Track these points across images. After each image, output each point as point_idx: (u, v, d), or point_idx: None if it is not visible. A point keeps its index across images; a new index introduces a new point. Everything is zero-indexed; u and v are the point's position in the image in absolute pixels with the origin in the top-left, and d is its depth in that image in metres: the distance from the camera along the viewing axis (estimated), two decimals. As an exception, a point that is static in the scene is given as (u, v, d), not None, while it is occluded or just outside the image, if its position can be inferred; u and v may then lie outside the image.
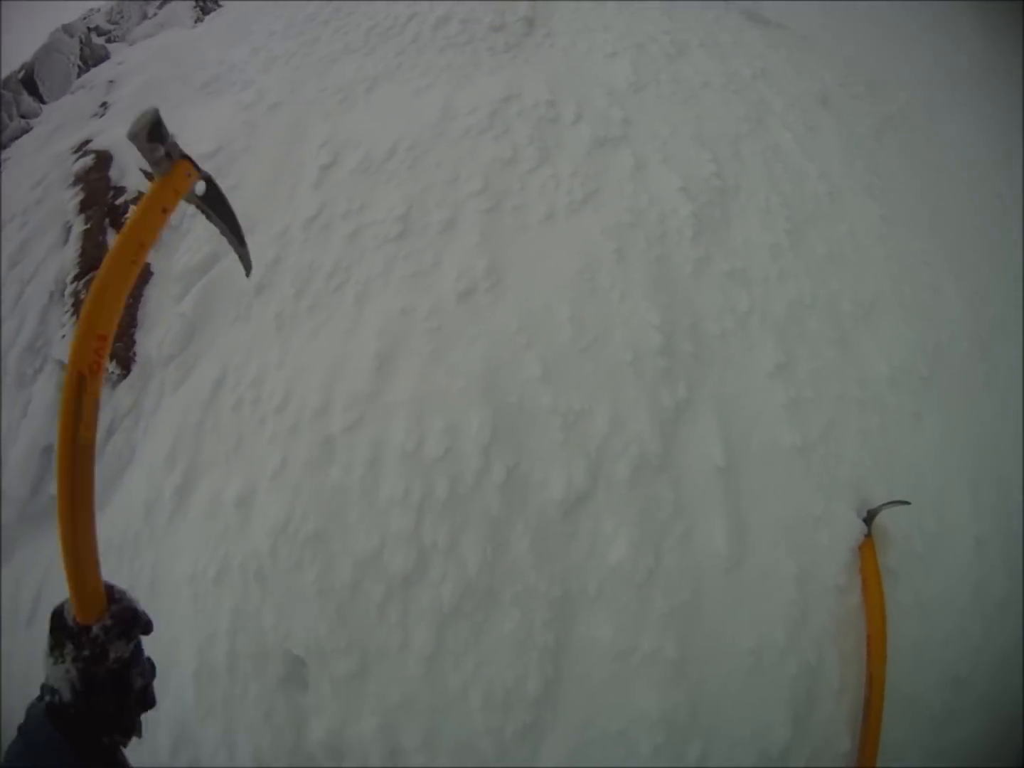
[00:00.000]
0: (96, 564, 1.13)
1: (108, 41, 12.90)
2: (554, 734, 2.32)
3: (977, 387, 3.22)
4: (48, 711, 1.07)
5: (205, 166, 1.08)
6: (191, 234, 3.62)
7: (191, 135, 3.71)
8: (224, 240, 1.25)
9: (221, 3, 12.55)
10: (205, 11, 12.94)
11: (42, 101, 11.65)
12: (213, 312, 3.38)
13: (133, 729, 1.16)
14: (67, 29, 11.88)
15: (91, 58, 12.25)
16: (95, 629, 1.10)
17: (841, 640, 2.49)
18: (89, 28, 12.86)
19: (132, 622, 1.16)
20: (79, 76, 11.57)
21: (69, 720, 1.06)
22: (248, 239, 1.28)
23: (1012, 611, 2.79)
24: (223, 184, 1.14)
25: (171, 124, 0.98)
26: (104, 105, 4.85)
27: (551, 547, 2.45)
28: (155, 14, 13.20)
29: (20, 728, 1.08)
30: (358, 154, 3.57)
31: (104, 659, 1.10)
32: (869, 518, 2.62)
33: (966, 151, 4.46)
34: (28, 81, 11.71)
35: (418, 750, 2.32)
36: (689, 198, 3.21)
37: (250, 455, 2.84)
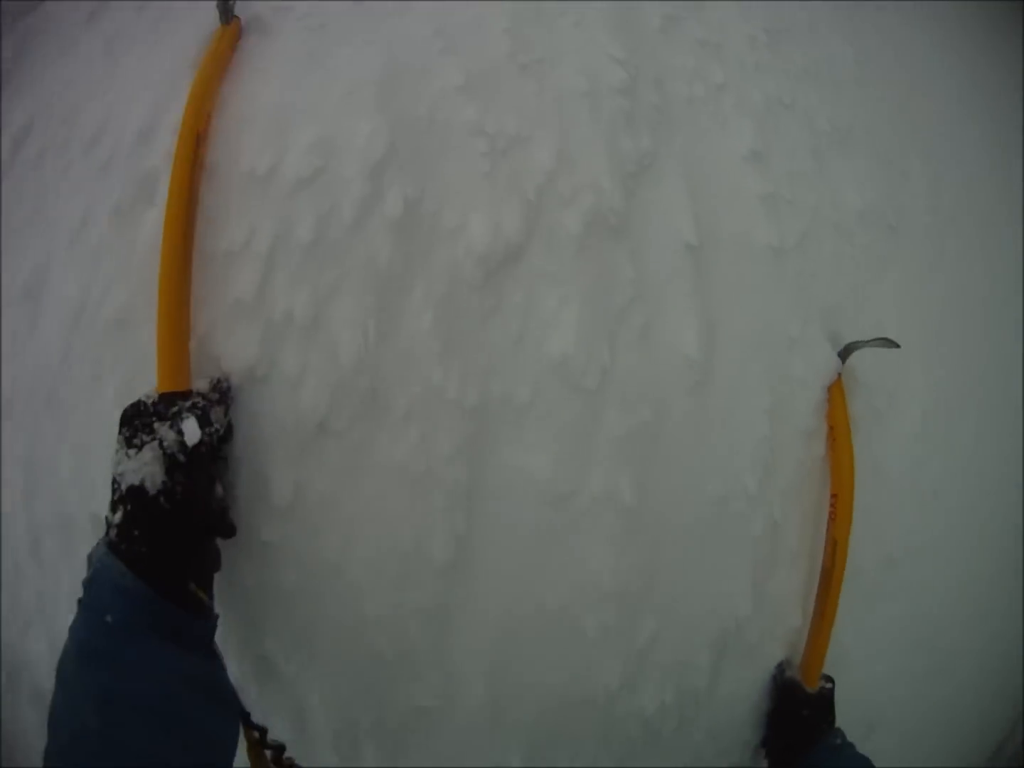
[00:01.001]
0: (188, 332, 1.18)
1: None
2: (468, 616, 1.60)
3: (937, 256, 2.75)
4: (120, 540, 0.94)
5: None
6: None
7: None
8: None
9: None
10: None
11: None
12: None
13: (232, 527, 1.14)
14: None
15: None
16: (194, 393, 1.09)
17: (805, 495, 1.99)
18: None
19: (227, 388, 1.18)
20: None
21: (154, 538, 0.94)
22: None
23: (946, 498, 2.45)
24: None
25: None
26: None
27: (465, 326, 1.57)
28: None
29: (84, 583, 0.95)
30: None
31: (208, 423, 1.05)
32: (845, 354, 2.11)
33: None
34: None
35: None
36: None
37: (47, 219, 1.88)
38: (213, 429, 1.07)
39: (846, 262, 2.34)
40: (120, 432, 1.01)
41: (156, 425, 0.99)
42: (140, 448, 0.96)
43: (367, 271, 1.47)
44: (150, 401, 1.04)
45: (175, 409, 1.03)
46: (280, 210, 1.48)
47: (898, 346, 2.03)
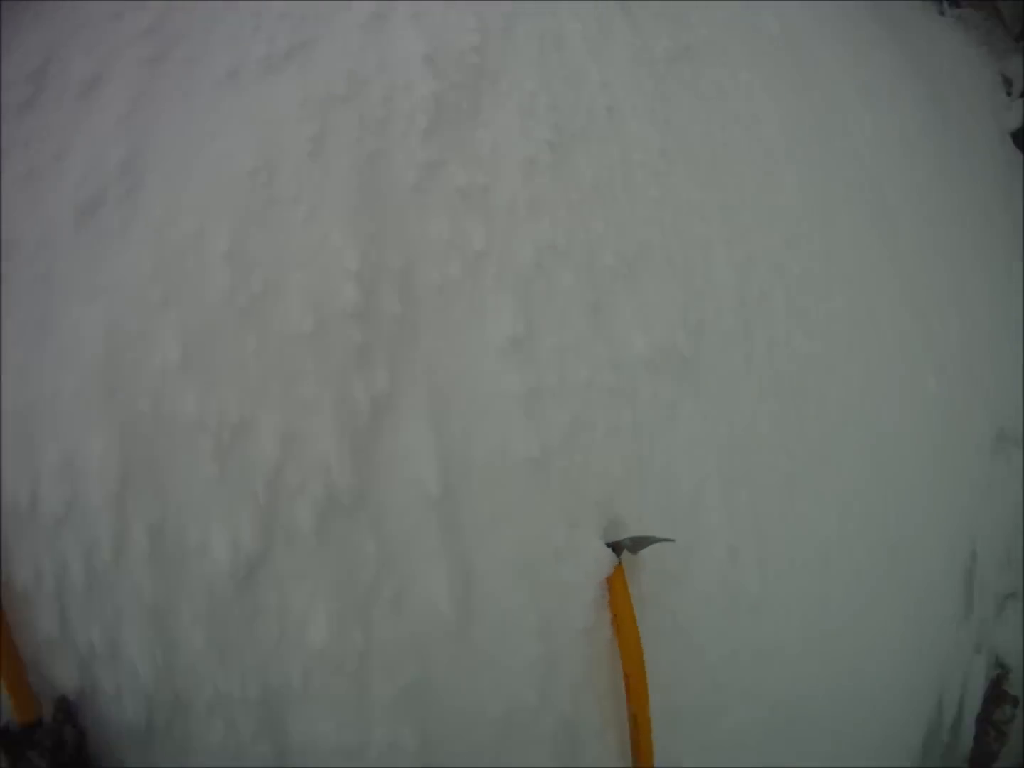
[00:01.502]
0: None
1: None
2: None
3: (737, 370, 2.79)
4: None
5: None
6: None
7: None
8: None
9: None
10: None
11: None
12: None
13: None
14: None
15: None
16: (45, 723, 1.36)
17: (596, 681, 2.02)
18: None
19: (68, 704, 1.44)
20: None
21: None
22: None
23: (766, 613, 2.54)
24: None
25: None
26: None
27: (233, 635, 1.66)
28: None
29: None
30: None
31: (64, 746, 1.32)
32: (618, 549, 2.08)
33: (751, 101, 3.98)
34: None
35: None
36: (434, 72, 2.23)
37: None
38: (70, 747, 1.34)
39: (624, 432, 2.27)
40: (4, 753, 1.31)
41: (31, 754, 1.30)
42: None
43: (139, 603, 1.59)
44: (15, 729, 1.33)
45: (37, 737, 1.33)
46: (53, 548, 1.58)
47: (672, 540, 2.01)
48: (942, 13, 8.11)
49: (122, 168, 1.87)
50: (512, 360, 2.07)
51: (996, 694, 3.47)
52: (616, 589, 2.04)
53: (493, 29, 2.51)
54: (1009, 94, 7.52)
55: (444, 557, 1.84)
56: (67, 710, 1.41)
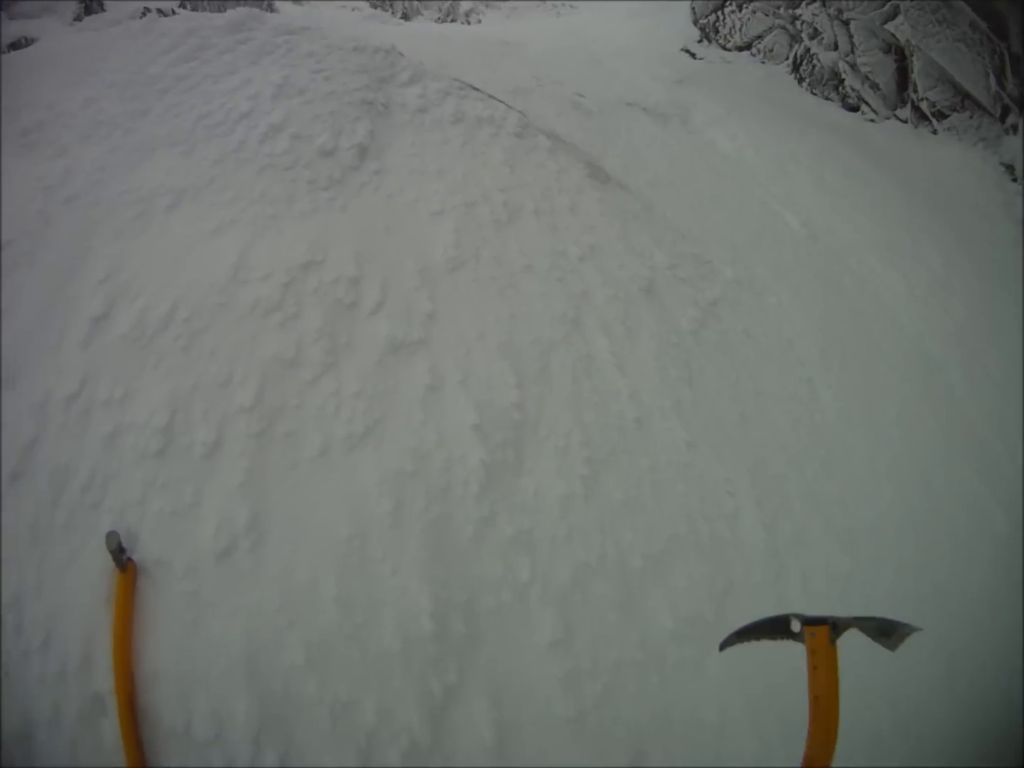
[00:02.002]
0: None
1: None
2: None
3: (766, 613, 2.87)
4: None
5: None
6: None
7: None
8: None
9: (106, 7, 11.44)
10: (89, 10, 11.77)
11: None
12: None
13: None
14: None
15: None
16: None
17: None
18: None
19: None
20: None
21: None
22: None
23: None
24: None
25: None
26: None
27: None
28: None
29: None
30: (133, 311, 2.90)
31: None
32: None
33: (783, 325, 4.27)
34: None
35: None
36: (482, 439, 2.77)
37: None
38: None
39: (652, 690, 2.65)
40: None
41: None
42: None
43: None
44: None
45: None
46: (200, 758, 2.16)
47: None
48: (935, 131, 8.59)
49: (247, 526, 2.47)
50: (553, 655, 2.55)
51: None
52: None
53: (531, 373, 3.02)
54: (1015, 180, 7.80)
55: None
56: None
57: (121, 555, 2.30)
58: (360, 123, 3.98)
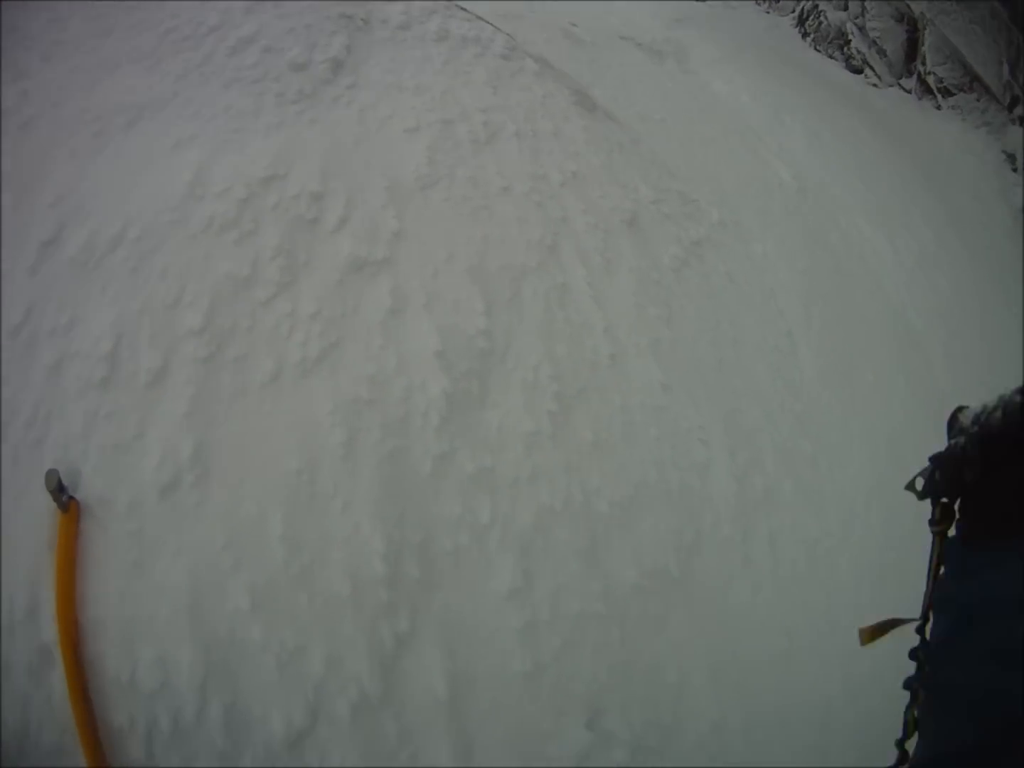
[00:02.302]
0: None
1: None
2: None
3: (732, 573, 2.96)
4: None
5: None
6: None
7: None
8: None
9: None
10: None
11: None
12: None
13: None
14: None
15: None
16: None
17: None
18: None
19: None
20: None
21: None
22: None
23: None
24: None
25: None
26: None
27: None
28: None
29: None
30: (82, 233, 2.69)
31: None
32: None
33: (766, 274, 4.09)
34: None
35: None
36: (445, 367, 2.57)
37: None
38: None
39: (613, 646, 2.55)
40: None
41: None
42: None
43: (212, 749, 2.06)
44: None
45: None
46: (146, 708, 2.03)
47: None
48: (938, 107, 8.42)
49: (192, 459, 2.29)
50: (512, 604, 2.42)
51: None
52: None
53: (501, 300, 2.81)
54: (1015, 170, 7.71)
55: (449, 735, 2.23)
56: None
57: (61, 495, 2.13)
58: (336, 37, 3.66)
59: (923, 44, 8.43)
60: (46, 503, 2.15)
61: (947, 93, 8.39)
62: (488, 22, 4.71)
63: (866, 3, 8.81)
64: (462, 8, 4.69)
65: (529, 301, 2.89)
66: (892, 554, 3.36)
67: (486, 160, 3.29)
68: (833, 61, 9.18)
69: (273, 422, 2.40)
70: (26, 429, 2.32)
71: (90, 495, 2.22)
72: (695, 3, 9.30)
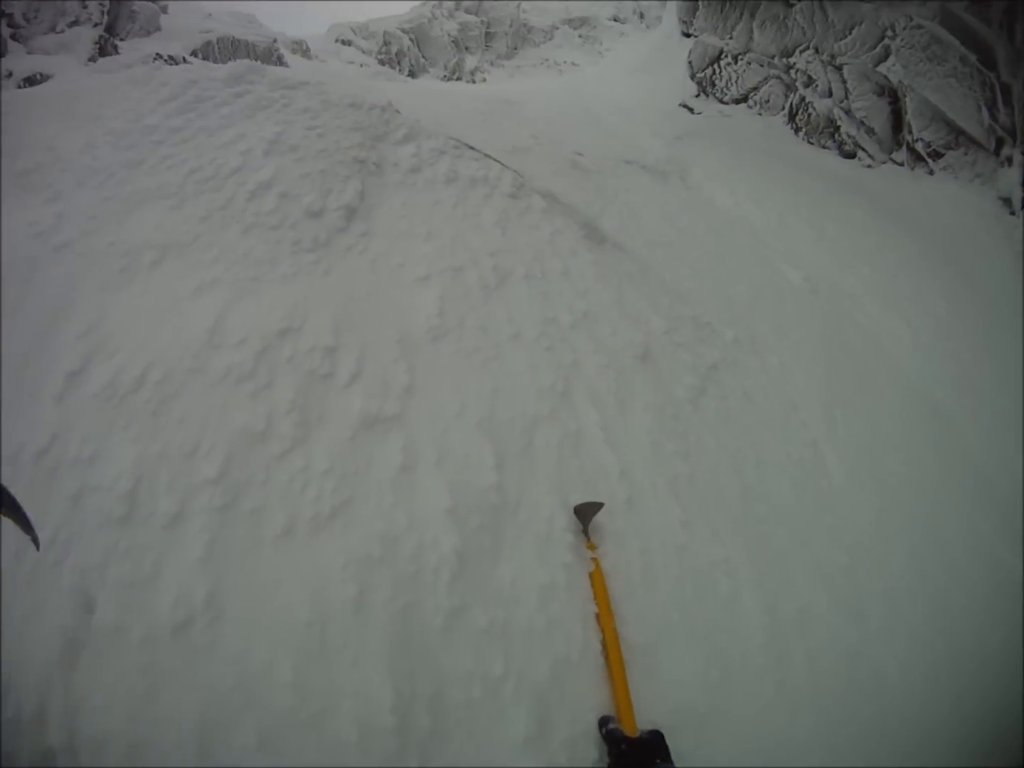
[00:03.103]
0: None
1: (13, 38, 11.64)
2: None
3: (766, 701, 2.78)
4: None
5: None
6: None
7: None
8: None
9: (120, 50, 11.68)
10: (103, 51, 12.04)
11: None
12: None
13: None
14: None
15: (-12, 48, 11.01)
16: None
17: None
18: (3, 12, 11.54)
19: None
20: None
21: None
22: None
23: None
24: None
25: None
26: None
27: None
28: (62, 31, 12.08)
29: None
30: (108, 369, 2.85)
31: None
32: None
33: (786, 386, 4.08)
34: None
35: None
36: (456, 523, 2.54)
37: None
38: None
39: None
40: None
41: None
42: None
43: None
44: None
45: None
46: None
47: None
48: (931, 172, 8.41)
49: (206, 602, 2.30)
50: (527, 752, 2.30)
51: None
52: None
53: (512, 452, 2.79)
54: (1012, 213, 7.61)
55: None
56: None
57: None
58: (350, 183, 3.88)
59: (906, 112, 8.54)
60: (59, 621, 2.23)
61: (936, 155, 8.45)
62: (496, 159, 4.91)
63: (847, 84, 9.06)
64: (471, 148, 4.91)
65: (541, 451, 2.87)
66: (941, 643, 3.21)
67: (496, 306, 3.35)
68: (827, 150, 9.32)
69: (285, 574, 2.40)
70: (45, 550, 2.37)
71: (105, 623, 2.27)
72: (693, 117, 9.67)
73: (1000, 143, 7.97)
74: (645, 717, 2.47)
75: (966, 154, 8.37)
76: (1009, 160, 7.85)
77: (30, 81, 10.42)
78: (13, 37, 11.92)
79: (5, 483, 2.44)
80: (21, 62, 11.32)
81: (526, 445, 2.84)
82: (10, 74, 10.65)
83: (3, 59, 11.13)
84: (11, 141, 3.73)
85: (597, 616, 2.56)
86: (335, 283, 3.27)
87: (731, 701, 2.72)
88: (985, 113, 7.87)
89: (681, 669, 2.68)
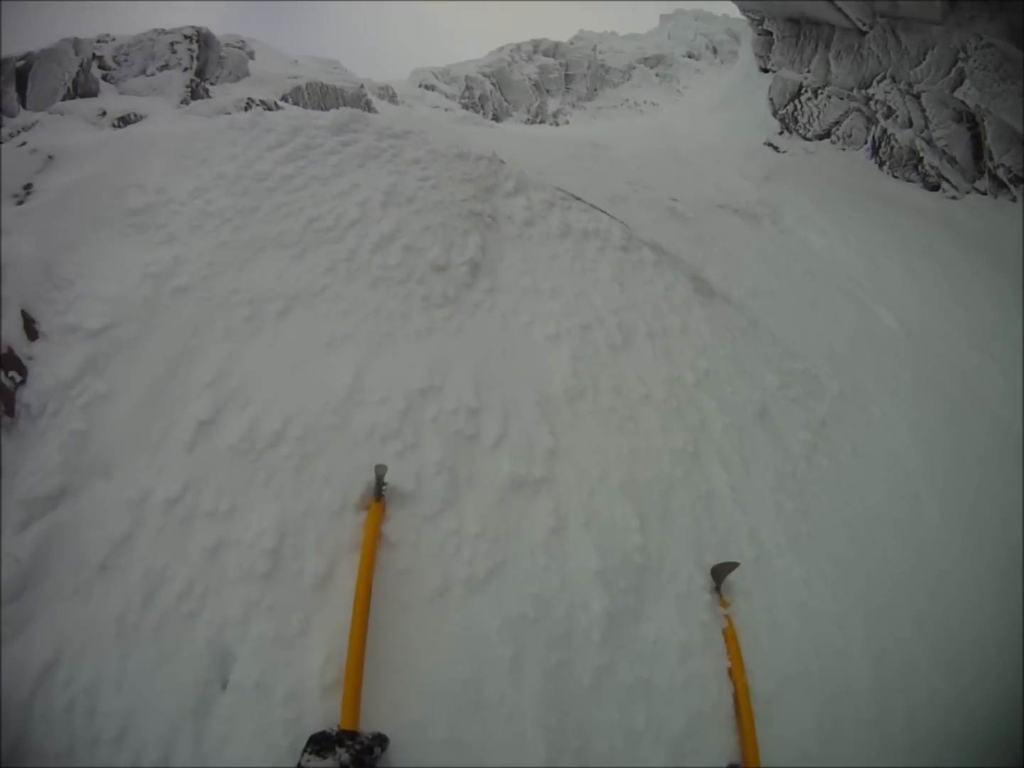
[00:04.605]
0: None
1: (104, 79, 12.34)
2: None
3: (870, 752, 2.80)
4: None
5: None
6: (40, 449, 2.67)
7: (91, 282, 3.06)
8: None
9: (212, 94, 12.24)
10: (195, 95, 12.61)
11: (23, 103, 10.99)
12: (51, 570, 2.47)
13: None
14: (76, 46, 11.44)
15: (81, 87, 11.71)
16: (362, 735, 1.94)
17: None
18: (95, 55, 12.26)
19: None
20: (63, 99, 11.05)
21: None
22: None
23: None
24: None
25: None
26: (29, 188, 3.69)
27: None
28: (153, 74, 12.73)
29: None
30: (243, 421, 2.76)
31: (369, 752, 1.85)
32: None
33: (889, 436, 4.10)
34: (22, 75, 10.94)
35: None
36: (604, 585, 2.61)
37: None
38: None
39: None
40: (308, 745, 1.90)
41: (336, 748, 1.86)
42: (325, 758, 1.82)
43: None
44: (333, 732, 1.92)
45: (349, 743, 1.88)
46: None
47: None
48: (1014, 198, 8.21)
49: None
50: None
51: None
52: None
53: (653, 514, 2.86)
54: None
55: None
56: (382, 741, 1.99)
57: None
58: (470, 236, 3.86)
59: (985, 137, 8.34)
60: (194, 674, 2.20)
61: (1018, 181, 8.19)
62: (602, 210, 5.01)
63: (927, 113, 8.84)
64: (577, 198, 5.02)
65: (678, 513, 2.91)
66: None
67: (625, 366, 3.41)
68: (911, 183, 9.11)
69: (441, 634, 2.43)
70: (178, 601, 2.35)
71: (246, 679, 2.22)
72: (779, 155, 9.58)
73: (1078, 154, 7.71)
74: (766, 763, 2.51)
75: (1031, 178, 8.20)
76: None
77: (124, 120, 10.60)
78: (104, 78, 12.52)
79: (132, 528, 2.38)
80: (116, 102, 11.75)
81: (665, 507, 2.90)
82: (103, 112, 10.97)
83: (96, 98, 11.54)
84: (116, 179, 3.67)
85: (729, 671, 2.60)
86: (469, 341, 3.28)
87: (841, 750, 2.74)
88: (1063, 133, 7.63)
89: (799, 718, 2.70)
